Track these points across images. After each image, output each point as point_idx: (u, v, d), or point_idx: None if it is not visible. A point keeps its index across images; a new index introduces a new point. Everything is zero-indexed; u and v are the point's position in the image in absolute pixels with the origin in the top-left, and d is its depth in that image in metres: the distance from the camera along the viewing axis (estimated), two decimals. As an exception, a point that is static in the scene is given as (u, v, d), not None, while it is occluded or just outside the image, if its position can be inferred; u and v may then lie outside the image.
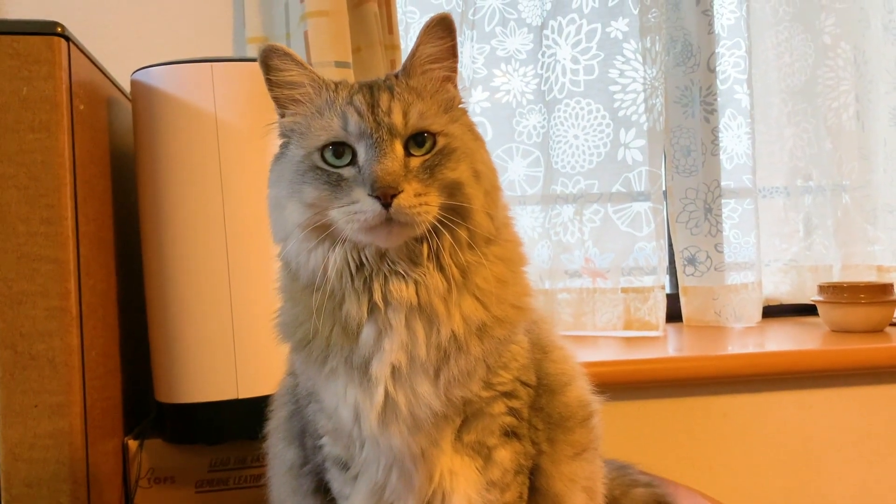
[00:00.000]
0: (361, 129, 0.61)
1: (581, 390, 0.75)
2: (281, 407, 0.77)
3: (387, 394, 0.62)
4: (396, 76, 0.66)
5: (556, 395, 0.72)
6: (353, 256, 0.62)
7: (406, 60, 0.65)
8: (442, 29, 0.64)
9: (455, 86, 0.67)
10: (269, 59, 0.64)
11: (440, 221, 0.60)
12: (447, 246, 0.61)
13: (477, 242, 0.63)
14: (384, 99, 0.62)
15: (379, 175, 0.58)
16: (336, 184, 0.61)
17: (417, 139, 0.62)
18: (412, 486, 0.66)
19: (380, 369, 0.62)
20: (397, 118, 0.61)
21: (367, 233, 0.60)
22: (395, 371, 0.62)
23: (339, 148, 0.62)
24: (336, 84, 0.66)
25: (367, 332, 0.63)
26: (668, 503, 0.96)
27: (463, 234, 0.62)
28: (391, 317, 0.62)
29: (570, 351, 0.77)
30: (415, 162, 0.61)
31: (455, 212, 0.61)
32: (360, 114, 0.62)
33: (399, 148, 0.61)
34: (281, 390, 0.78)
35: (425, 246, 0.62)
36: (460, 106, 0.67)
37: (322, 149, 0.62)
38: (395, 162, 0.59)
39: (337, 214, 0.60)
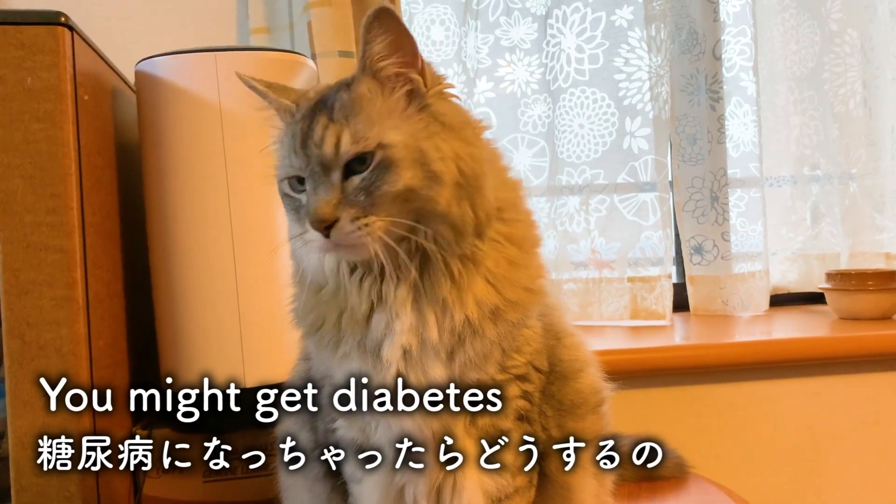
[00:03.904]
0: (299, 165, 0.62)
1: (593, 377, 0.75)
2: (294, 386, 0.77)
3: (398, 376, 0.63)
4: (349, 84, 0.63)
5: (569, 381, 0.72)
6: (345, 261, 0.64)
7: (359, 62, 0.63)
8: (380, 24, 0.60)
9: (418, 72, 0.63)
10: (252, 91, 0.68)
11: (411, 228, 0.60)
12: (431, 246, 0.61)
13: (464, 234, 0.61)
14: (319, 127, 0.61)
15: (311, 210, 0.59)
16: (297, 210, 0.63)
17: (358, 159, 0.60)
18: (423, 468, 0.66)
19: (391, 352, 0.63)
20: (328, 149, 0.60)
21: (328, 253, 0.62)
22: (406, 354, 0.62)
23: (294, 179, 0.63)
24: (296, 106, 0.65)
25: (378, 318, 0.63)
26: (687, 466, 1.06)
27: (444, 230, 0.61)
28: (396, 307, 0.63)
29: (583, 338, 0.77)
30: (354, 183, 0.59)
31: (422, 215, 0.60)
32: (295, 151, 0.62)
33: (335, 177, 0.60)
34: (294, 375, 0.78)
35: (404, 251, 0.61)
36: (432, 91, 0.63)
37: (285, 179, 0.64)
38: (328, 194, 0.59)
39: (296, 243, 0.63)
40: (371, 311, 0.64)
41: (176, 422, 0.97)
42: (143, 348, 1.02)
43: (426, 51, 1.57)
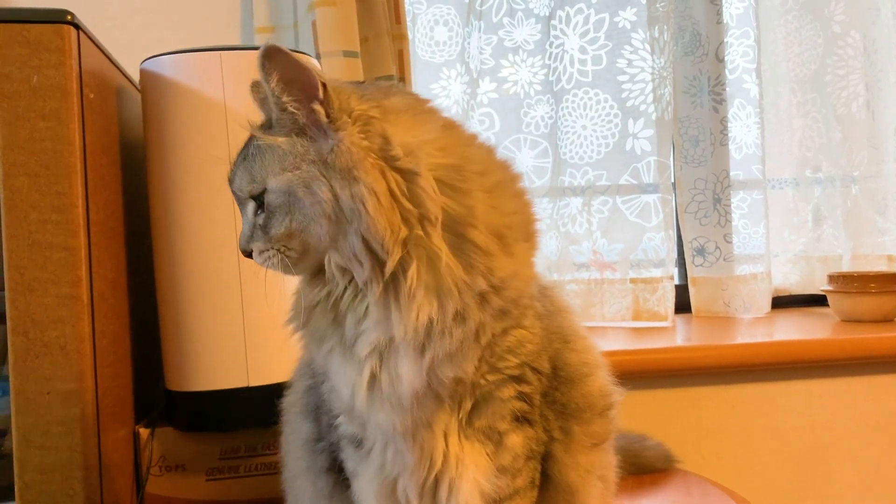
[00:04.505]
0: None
1: (602, 381, 0.74)
2: (299, 381, 0.78)
3: (373, 371, 0.64)
4: (264, 121, 0.66)
5: (575, 385, 0.71)
6: None
7: (268, 99, 0.63)
8: (270, 61, 0.60)
9: (320, 103, 0.61)
10: None
11: (313, 260, 0.64)
12: (337, 273, 0.64)
13: (361, 262, 0.62)
14: (237, 164, 0.66)
15: (239, 240, 0.66)
16: None
17: (262, 197, 0.64)
18: (406, 464, 0.67)
19: (362, 349, 0.63)
20: (237, 187, 0.66)
21: None
22: (376, 350, 0.63)
23: None
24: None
25: (351, 316, 0.64)
26: (674, 458, 1.13)
27: (340, 261, 0.63)
28: (357, 307, 0.64)
29: (593, 341, 0.76)
30: (259, 220, 0.64)
31: (316, 249, 0.63)
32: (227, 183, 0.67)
33: (249, 211, 0.65)
34: (299, 364, 0.79)
35: (326, 270, 0.64)
36: (341, 122, 0.61)
37: None
38: (245, 227, 0.65)
39: None
40: (346, 310, 0.64)
41: (179, 420, 0.98)
42: (147, 346, 1.02)
43: (429, 51, 1.57)
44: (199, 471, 0.98)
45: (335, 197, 0.61)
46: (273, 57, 0.60)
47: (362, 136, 0.62)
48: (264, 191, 0.63)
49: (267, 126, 0.64)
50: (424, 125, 0.65)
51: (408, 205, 0.62)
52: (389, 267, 0.61)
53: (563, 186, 1.58)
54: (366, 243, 0.61)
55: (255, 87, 0.69)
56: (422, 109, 0.67)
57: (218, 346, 0.93)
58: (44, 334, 0.80)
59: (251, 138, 0.66)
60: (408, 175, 0.62)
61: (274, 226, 0.63)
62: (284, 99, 0.62)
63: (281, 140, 0.63)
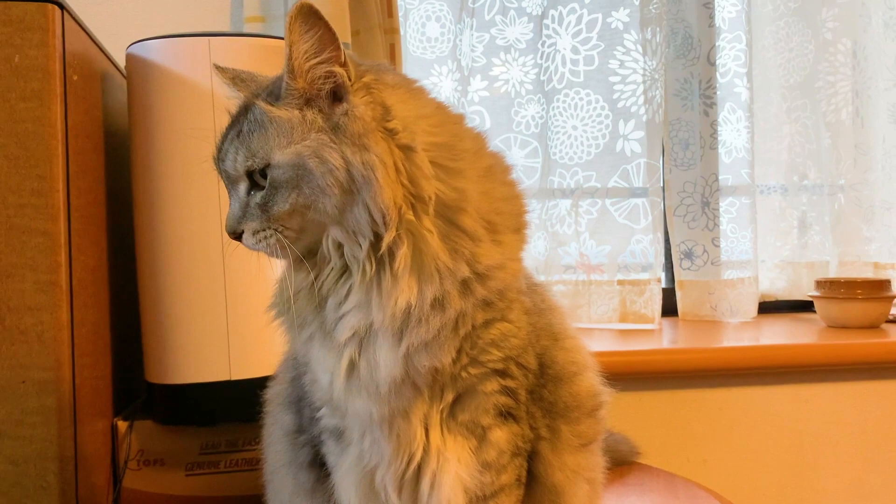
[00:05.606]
0: (218, 172, 0.64)
1: (591, 381, 0.73)
2: (284, 372, 0.77)
3: (352, 358, 0.62)
4: (266, 92, 0.63)
5: (563, 384, 0.70)
6: None
7: (285, 64, 0.61)
8: (304, 21, 0.58)
9: (341, 65, 0.61)
10: None
11: (311, 240, 0.62)
12: (334, 250, 0.62)
13: (362, 235, 0.61)
14: (227, 141, 0.63)
15: (225, 222, 0.63)
16: None
17: (261, 173, 0.61)
18: (383, 454, 0.65)
19: (342, 333, 0.62)
20: (228, 165, 0.62)
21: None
22: (356, 336, 0.62)
23: None
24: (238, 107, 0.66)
25: (332, 301, 0.63)
26: (639, 451, 1.15)
27: (341, 236, 0.62)
28: (339, 290, 0.63)
29: (583, 341, 0.75)
30: (256, 199, 0.61)
31: (320, 223, 0.62)
32: (212, 161, 0.64)
33: (241, 190, 0.62)
34: (285, 356, 0.77)
35: (323, 248, 0.63)
36: (357, 85, 0.61)
37: None
38: (235, 207, 0.62)
39: None
40: (328, 293, 0.63)
41: (159, 413, 0.96)
42: (128, 337, 1.00)
43: (421, 47, 1.56)
44: (179, 465, 0.96)
45: (346, 163, 0.59)
46: (308, 17, 0.58)
47: (367, 105, 0.61)
48: (266, 166, 0.60)
49: (272, 99, 0.62)
50: (418, 100, 0.65)
51: (406, 182, 0.61)
52: (386, 242, 0.60)
53: (553, 187, 1.57)
54: (370, 216, 0.60)
55: (220, 70, 0.68)
56: (414, 87, 0.66)
57: (200, 339, 0.91)
58: (20, 321, 0.78)
59: (243, 113, 0.63)
60: (405, 151, 0.61)
61: (277, 203, 0.60)
62: (316, 60, 0.59)
63: (293, 113, 0.60)
